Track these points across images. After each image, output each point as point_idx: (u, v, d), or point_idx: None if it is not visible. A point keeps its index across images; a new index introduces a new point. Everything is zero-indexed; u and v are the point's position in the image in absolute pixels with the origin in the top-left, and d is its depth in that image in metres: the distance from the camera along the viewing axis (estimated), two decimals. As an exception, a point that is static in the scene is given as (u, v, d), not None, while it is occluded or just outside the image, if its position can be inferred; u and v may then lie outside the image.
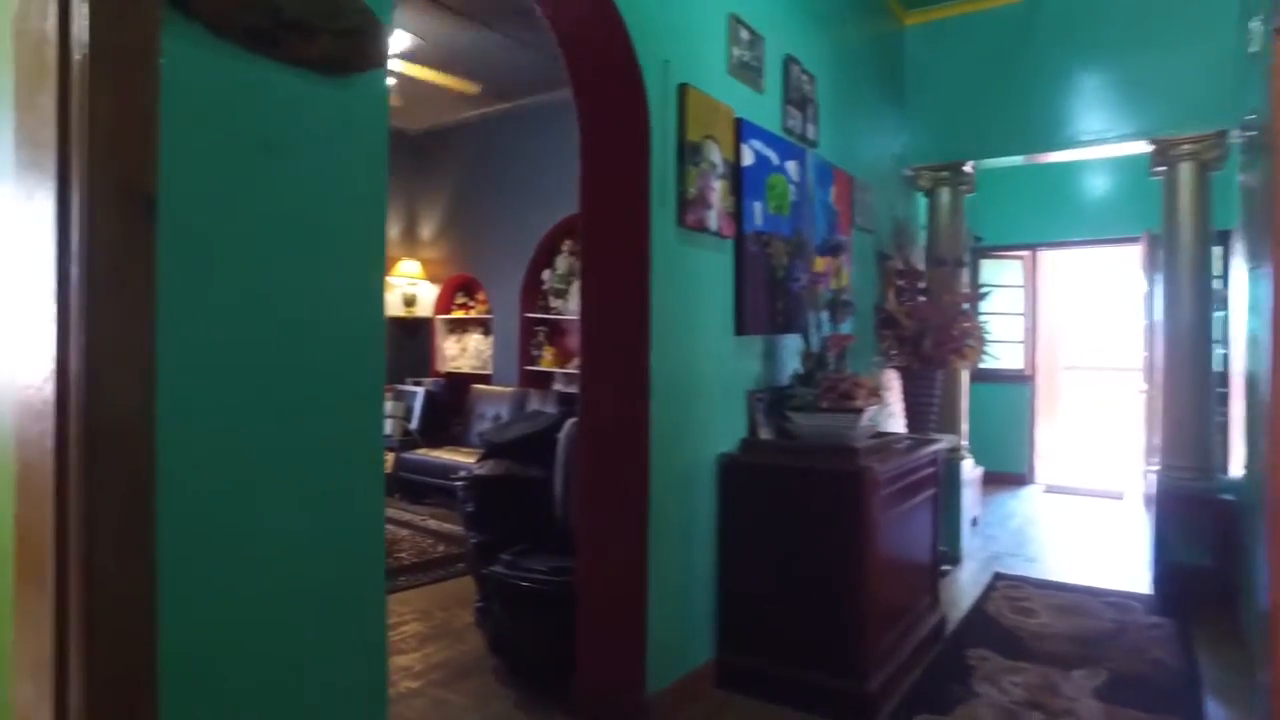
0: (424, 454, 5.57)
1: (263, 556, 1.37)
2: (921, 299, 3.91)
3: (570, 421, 2.84)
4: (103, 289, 1.16)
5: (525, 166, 5.87)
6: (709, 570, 2.69)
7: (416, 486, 5.51)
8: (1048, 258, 6.66)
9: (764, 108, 2.98)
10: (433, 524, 4.91)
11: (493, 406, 5.66)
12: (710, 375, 2.67)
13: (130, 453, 1.20)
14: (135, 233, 1.20)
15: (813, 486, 2.58)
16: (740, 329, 2.81)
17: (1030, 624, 3.28)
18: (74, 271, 1.16)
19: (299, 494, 1.43)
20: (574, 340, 5.87)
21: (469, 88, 4.44)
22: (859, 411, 2.75)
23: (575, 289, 5.64)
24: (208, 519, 1.30)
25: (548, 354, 5.82)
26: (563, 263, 5.76)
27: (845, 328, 3.44)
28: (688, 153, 2.49)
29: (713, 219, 2.62)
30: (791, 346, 3.15)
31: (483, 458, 3.16)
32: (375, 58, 1.48)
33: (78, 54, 1.17)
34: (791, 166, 3.16)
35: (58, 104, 1.18)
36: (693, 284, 2.58)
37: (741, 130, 2.77)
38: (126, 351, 1.18)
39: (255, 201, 1.36)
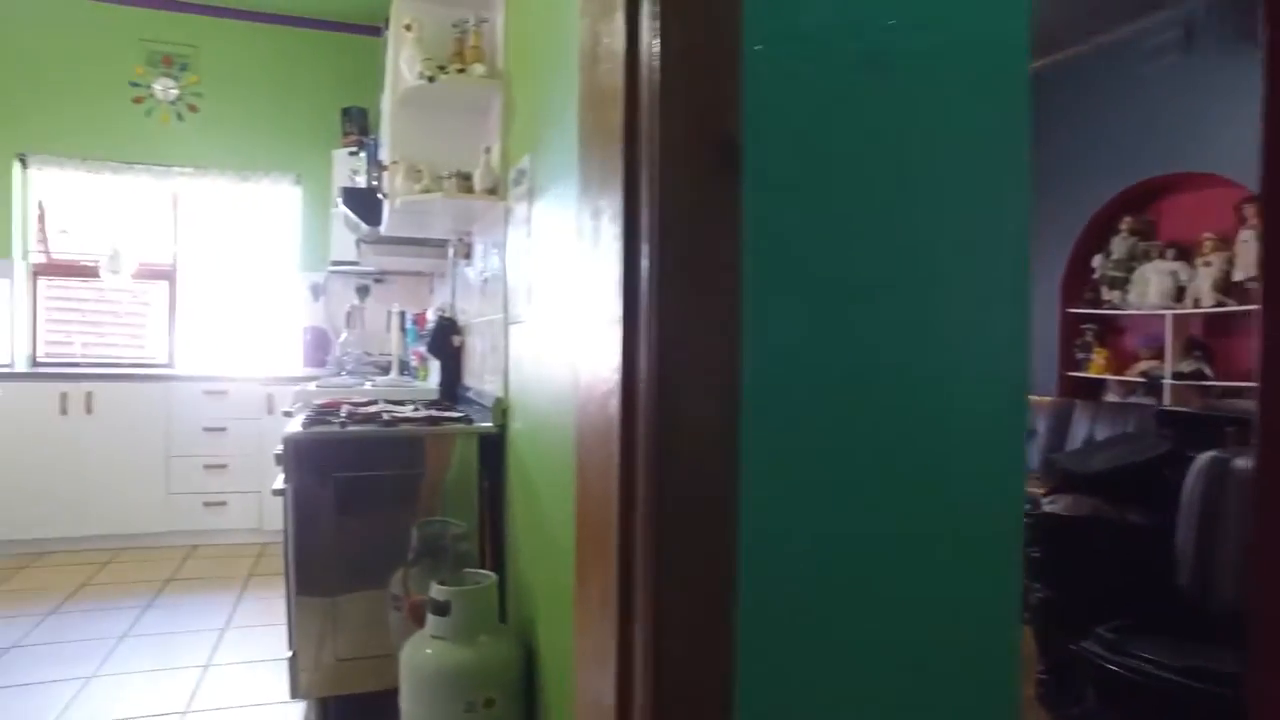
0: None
1: (865, 602, 0.97)
2: None
3: (1208, 455, 1.99)
4: (674, 268, 0.86)
5: (1065, 134, 4.85)
6: None
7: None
8: None
9: None
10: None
11: (1023, 419, 4.79)
12: None
13: (706, 487, 0.88)
14: (711, 191, 0.88)
15: None
16: None
17: None
18: (643, 249, 0.88)
19: (908, 530, 0.99)
20: (1134, 341, 4.67)
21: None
22: None
23: (1140, 276, 4.47)
24: (799, 560, 0.94)
25: (1098, 358, 4.73)
26: (1120, 245, 4.61)
27: None
28: None
29: None
30: None
31: (1054, 489, 2.47)
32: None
33: (648, -36, 0.89)
34: None
35: (625, 33, 0.92)
36: None
37: None
38: (704, 351, 0.87)
39: (852, 142, 0.96)
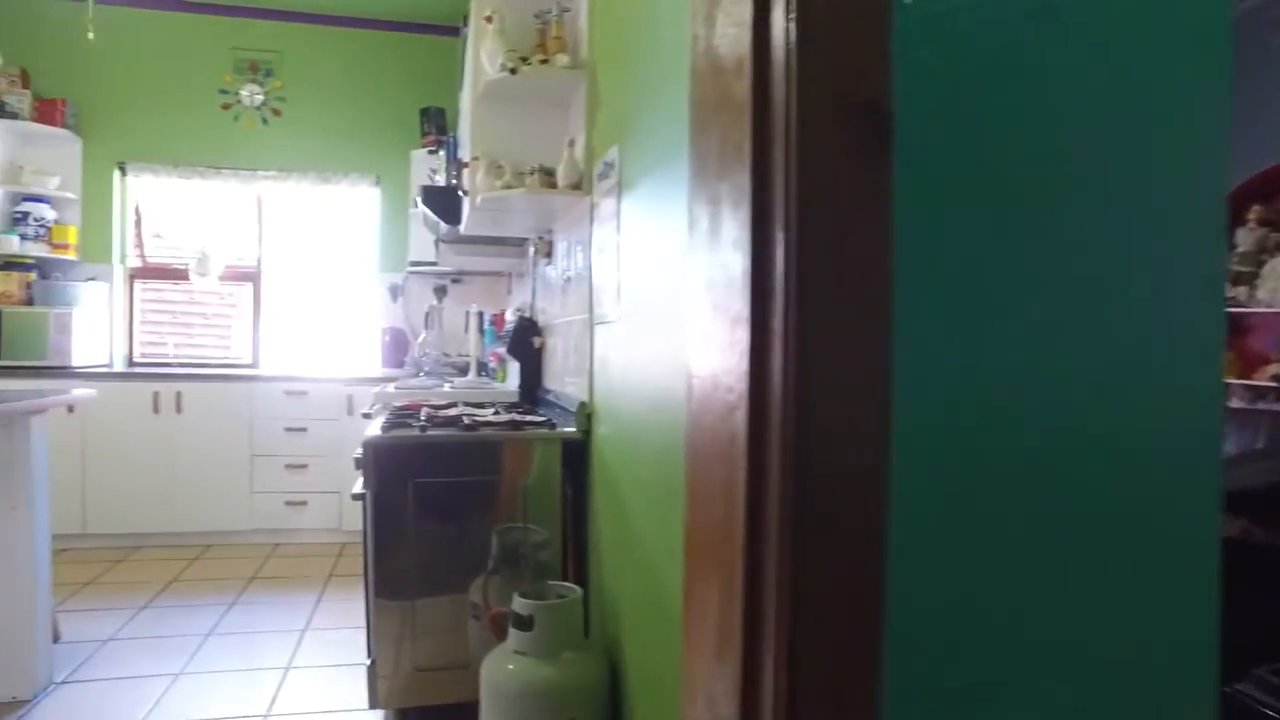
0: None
1: (1033, 644, 0.82)
2: None
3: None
4: (816, 259, 0.73)
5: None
6: None
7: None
8: None
9: None
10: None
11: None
12: None
13: (852, 509, 0.75)
14: (858, 169, 0.75)
15: None
16: None
17: None
18: (776, 237, 0.76)
19: (1083, 560, 0.84)
20: (1263, 341, 4.29)
21: None
22: None
23: (1271, 271, 4.09)
24: (958, 593, 0.80)
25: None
26: (1246, 237, 4.23)
27: None
28: None
29: None
30: None
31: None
32: None
33: (782, -94, 0.76)
34: None
35: (754, -9, 0.80)
36: None
37: None
38: (850, 354, 0.74)
39: (1021, 108, 0.82)
